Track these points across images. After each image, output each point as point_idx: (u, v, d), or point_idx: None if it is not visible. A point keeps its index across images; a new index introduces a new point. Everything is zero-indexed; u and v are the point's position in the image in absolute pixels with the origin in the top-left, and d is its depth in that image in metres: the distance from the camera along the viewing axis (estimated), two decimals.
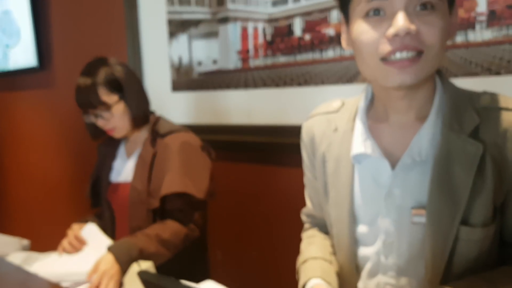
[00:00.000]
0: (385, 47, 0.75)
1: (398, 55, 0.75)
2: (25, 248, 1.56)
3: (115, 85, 1.38)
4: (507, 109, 0.80)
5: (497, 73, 1.20)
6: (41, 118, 2.88)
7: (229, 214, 1.78)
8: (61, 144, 2.75)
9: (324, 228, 1.02)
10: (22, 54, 2.79)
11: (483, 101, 0.82)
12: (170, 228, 1.34)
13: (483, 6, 1.21)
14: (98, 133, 1.48)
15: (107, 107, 1.36)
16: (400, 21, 0.73)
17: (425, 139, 0.82)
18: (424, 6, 0.74)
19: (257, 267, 1.82)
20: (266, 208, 1.76)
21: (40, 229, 1.34)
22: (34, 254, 1.44)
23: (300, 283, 0.91)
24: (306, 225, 1.09)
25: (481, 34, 1.22)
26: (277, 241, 1.70)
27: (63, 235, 1.42)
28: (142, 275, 0.75)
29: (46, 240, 1.51)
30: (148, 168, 1.39)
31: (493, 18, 1.20)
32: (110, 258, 1.20)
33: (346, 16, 0.84)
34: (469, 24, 1.23)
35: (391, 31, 0.74)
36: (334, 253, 0.96)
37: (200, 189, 1.37)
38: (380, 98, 0.88)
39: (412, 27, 0.73)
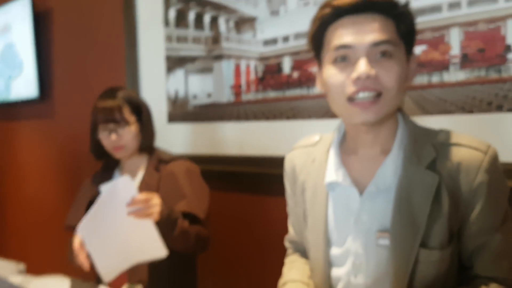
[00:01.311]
0: (350, 89, 0.86)
1: (360, 95, 0.85)
2: (21, 272, 1.60)
3: (134, 107, 1.51)
4: (460, 145, 0.89)
5: (470, 111, 1.29)
6: (39, 147, 2.92)
7: (220, 242, 1.82)
8: (57, 173, 2.79)
9: (304, 254, 1.08)
10: (24, 85, 2.86)
11: (440, 138, 0.91)
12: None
13: (456, 49, 1.31)
14: (100, 154, 1.56)
15: (127, 124, 1.47)
16: (362, 66, 0.84)
17: (388, 170, 0.91)
18: (383, 54, 0.85)
19: None
20: (256, 236, 1.81)
21: (35, 253, 1.37)
22: (29, 277, 1.48)
23: None
24: (289, 251, 1.16)
25: (455, 75, 1.31)
26: (267, 268, 1.72)
27: (57, 259, 1.43)
28: None
29: (41, 264, 1.54)
30: (155, 191, 1.45)
31: (465, 60, 1.29)
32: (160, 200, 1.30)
33: (319, 62, 0.95)
34: (444, 66, 1.33)
35: (354, 74, 0.85)
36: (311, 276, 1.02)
37: (202, 210, 1.47)
38: (350, 133, 0.98)
39: (372, 71, 0.84)
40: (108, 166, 1.62)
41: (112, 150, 1.51)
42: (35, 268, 1.71)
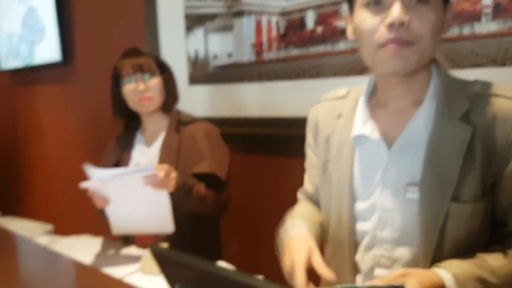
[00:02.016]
0: (382, 35, 0.82)
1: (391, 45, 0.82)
2: (49, 232, 1.66)
3: (159, 63, 1.52)
4: (496, 95, 0.85)
5: (503, 64, 1.22)
6: (63, 111, 2.98)
7: (242, 204, 1.83)
8: (81, 136, 2.84)
9: (318, 206, 1.08)
10: (47, 50, 2.89)
11: (475, 89, 0.88)
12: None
13: None
14: (123, 113, 1.56)
15: (154, 74, 1.48)
16: (396, 11, 0.80)
17: (419, 122, 0.88)
18: (419, 0, 0.81)
19: (271, 255, 1.86)
20: (278, 197, 1.80)
21: (62, 215, 1.42)
22: (56, 238, 1.53)
23: (281, 231, 1.02)
24: (299, 202, 1.16)
25: (487, 26, 1.25)
26: None
27: (83, 221, 1.48)
28: (154, 249, 0.76)
29: (68, 225, 1.59)
30: (176, 152, 1.47)
31: (498, 10, 1.22)
32: (175, 172, 1.32)
33: (351, 7, 0.91)
34: (475, 17, 1.26)
35: (388, 19, 0.81)
36: (324, 226, 1.03)
37: (222, 171, 1.47)
38: (380, 85, 0.94)
39: (406, 17, 0.80)
40: (130, 127, 1.62)
41: (138, 102, 1.48)
42: (63, 229, 1.76)
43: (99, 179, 1.31)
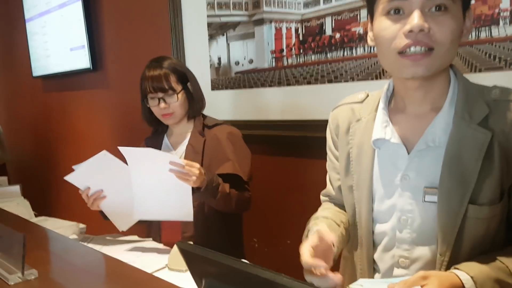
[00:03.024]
0: (401, 42, 0.84)
1: (412, 49, 0.84)
2: (81, 231, 1.74)
3: (181, 76, 1.57)
4: None
5: None
6: (96, 115, 3.09)
7: (263, 204, 1.87)
8: (112, 139, 2.93)
9: (342, 208, 1.09)
10: (77, 57, 3.01)
11: (494, 94, 0.89)
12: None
13: (506, 3, 1.24)
14: (152, 121, 1.64)
15: (175, 92, 1.53)
16: (416, 19, 0.82)
17: (438, 127, 0.90)
18: (438, 8, 0.83)
19: (291, 254, 1.89)
20: (298, 198, 1.84)
21: (94, 215, 1.49)
22: (90, 236, 1.61)
23: (305, 232, 1.01)
24: (324, 202, 1.18)
25: (505, 29, 1.26)
26: None
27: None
28: (181, 245, 0.79)
29: (99, 225, 1.67)
30: (200, 154, 1.54)
31: None
32: (203, 169, 1.37)
33: (371, 15, 0.93)
34: (493, 20, 1.27)
35: (407, 27, 0.83)
36: (347, 226, 1.04)
37: (245, 171, 1.54)
38: (399, 90, 0.97)
39: (426, 25, 0.82)
40: (158, 131, 1.70)
41: (161, 117, 1.58)
42: (95, 229, 1.84)
43: (82, 172, 1.41)
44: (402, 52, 0.85)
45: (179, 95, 1.54)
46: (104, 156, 1.39)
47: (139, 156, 1.39)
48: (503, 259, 0.84)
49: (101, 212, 1.54)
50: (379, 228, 0.98)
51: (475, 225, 0.86)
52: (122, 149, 1.36)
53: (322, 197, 1.19)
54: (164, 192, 1.39)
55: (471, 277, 0.79)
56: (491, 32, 1.28)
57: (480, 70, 1.30)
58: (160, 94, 1.53)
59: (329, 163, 1.13)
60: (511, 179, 0.87)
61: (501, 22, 1.26)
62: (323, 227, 0.94)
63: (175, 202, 1.40)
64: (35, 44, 3.47)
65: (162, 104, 1.54)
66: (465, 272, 0.80)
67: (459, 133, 0.87)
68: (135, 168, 1.40)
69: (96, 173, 1.44)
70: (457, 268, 0.82)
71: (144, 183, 1.41)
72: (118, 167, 1.41)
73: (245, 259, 1.58)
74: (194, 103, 1.60)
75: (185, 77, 1.58)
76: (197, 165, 1.35)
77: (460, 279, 0.79)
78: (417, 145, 0.91)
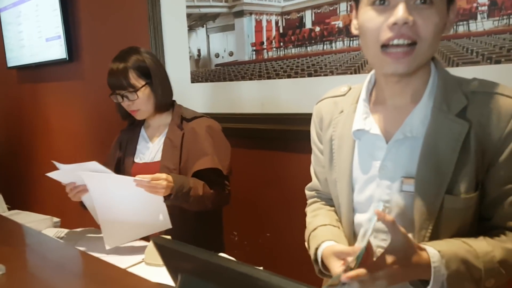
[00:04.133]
0: (385, 34, 0.84)
1: (395, 41, 0.84)
2: (56, 225, 1.70)
3: (143, 71, 1.50)
4: (492, 93, 0.87)
5: (497, 62, 1.25)
6: (70, 107, 3.02)
7: (244, 197, 1.86)
8: (87, 131, 2.88)
9: (330, 202, 1.10)
10: (52, 48, 2.94)
11: (472, 86, 0.90)
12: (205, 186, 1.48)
13: None
14: (126, 114, 1.60)
15: (135, 89, 1.48)
16: (400, 11, 0.82)
17: (417, 118, 0.90)
18: (423, 1, 0.83)
19: (270, 247, 1.89)
20: (277, 191, 1.84)
21: (68, 209, 1.46)
22: (64, 230, 1.58)
23: (312, 249, 0.99)
24: (310, 201, 1.17)
25: (482, 24, 1.27)
26: (288, 222, 1.78)
27: (89, 214, 1.52)
28: (157, 241, 0.77)
29: (74, 219, 1.64)
30: (178, 147, 1.51)
31: (494, 8, 1.24)
32: (170, 177, 1.37)
33: (356, 3, 0.93)
34: (471, 14, 1.28)
35: (392, 19, 0.83)
36: (339, 221, 1.05)
37: (224, 165, 1.51)
38: (380, 83, 0.97)
39: (410, 18, 0.82)
40: (134, 123, 1.66)
41: (130, 112, 1.55)
42: (70, 223, 1.81)
43: (66, 170, 1.37)
44: (385, 46, 0.85)
45: (140, 93, 1.49)
46: (93, 165, 1.35)
47: (99, 180, 1.35)
48: (471, 242, 0.85)
49: (81, 203, 1.50)
50: (358, 218, 0.99)
51: (451, 215, 0.87)
52: (83, 174, 1.34)
53: (307, 192, 1.18)
54: (135, 211, 1.37)
55: (438, 251, 0.81)
56: (469, 27, 1.29)
57: (457, 65, 1.32)
58: (122, 92, 1.48)
59: (313, 157, 1.13)
60: (485, 171, 0.88)
61: (479, 17, 1.27)
62: (332, 247, 0.93)
63: (150, 215, 1.38)
64: (9, 35, 3.39)
65: (125, 102, 1.50)
66: (433, 247, 0.82)
67: (437, 124, 0.88)
68: (97, 195, 1.36)
69: (82, 176, 1.39)
70: (427, 244, 0.84)
71: (111, 210, 1.37)
72: (105, 179, 1.37)
73: (224, 252, 1.57)
74: (160, 97, 1.53)
75: (148, 72, 1.51)
76: (163, 176, 1.34)
77: (427, 252, 0.81)
78: (395, 135, 0.91)
